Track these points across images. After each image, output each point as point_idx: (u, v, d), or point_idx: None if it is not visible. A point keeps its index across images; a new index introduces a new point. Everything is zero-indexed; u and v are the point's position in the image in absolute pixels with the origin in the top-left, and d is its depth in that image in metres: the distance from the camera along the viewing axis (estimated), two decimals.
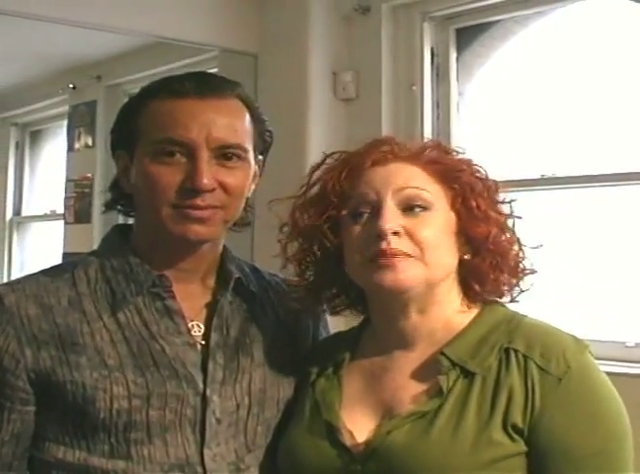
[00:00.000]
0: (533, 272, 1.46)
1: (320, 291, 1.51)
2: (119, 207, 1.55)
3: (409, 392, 1.36)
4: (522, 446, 1.28)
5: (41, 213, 6.67)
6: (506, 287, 1.45)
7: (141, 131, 1.42)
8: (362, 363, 1.46)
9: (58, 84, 5.88)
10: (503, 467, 1.27)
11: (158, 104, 1.41)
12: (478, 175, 1.45)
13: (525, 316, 1.41)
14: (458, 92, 3.87)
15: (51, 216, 6.43)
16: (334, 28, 3.98)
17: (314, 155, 3.91)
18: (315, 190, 1.47)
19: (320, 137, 3.93)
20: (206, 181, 1.37)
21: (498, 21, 3.75)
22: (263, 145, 1.51)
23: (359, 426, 1.37)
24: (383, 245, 1.34)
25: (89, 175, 5.68)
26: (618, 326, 3.30)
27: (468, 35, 3.86)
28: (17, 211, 6.95)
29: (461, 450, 1.27)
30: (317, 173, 1.49)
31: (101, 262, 1.46)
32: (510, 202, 1.46)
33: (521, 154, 3.67)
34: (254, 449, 1.44)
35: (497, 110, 3.79)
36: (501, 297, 1.46)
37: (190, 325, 1.45)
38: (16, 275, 6.85)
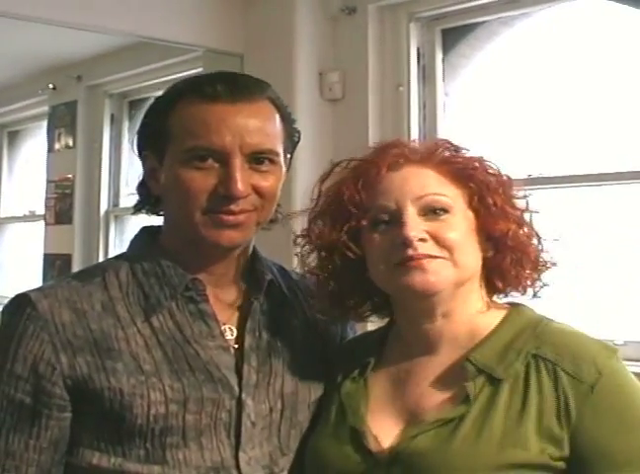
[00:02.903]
0: (554, 264, 1.46)
1: (344, 300, 1.49)
2: (147, 208, 1.53)
3: (434, 398, 1.36)
4: (554, 459, 1.28)
5: (21, 214, 6.62)
6: (528, 282, 1.45)
7: (172, 135, 1.40)
8: (388, 367, 1.45)
9: (38, 84, 5.84)
10: None
11: (189, 107, 1.40)
12: (491, 171, 1.45)
13: (551, 320, 1.42)
14: (444, 92, 3.88)
15: (31, 217, 6.39)
16: (320, 28, 3.97)
17: (301, 156, 3.90)
18: (329, 200, 1.46)
19: (306, 138, 3.87)
20: (242, 187, 1.37)
21: (483, 22, 3.76)
22: (291, 144, 1.50)
23: (384, 431, 1.37)
24: (410, 252, 1.34)
25: (69, 176, 5.65)
26: (608, 324, 3.32)
27: (454, 35, 3.86)
28: None
29: (487, 453, 1.27)
30: (327, 182, 1.48)
31: (131, 265, 1.45)
32: (525, 197, 1.46)
33: (508, 154, 3.69)
34: (287, 453, 1.44)
35: (483, 110, 3.80)
36: (523, 293, 1.45)
37: (222, 328, 1.45)
38: None
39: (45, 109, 6.02)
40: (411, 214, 1.36)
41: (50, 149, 5.89)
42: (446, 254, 1.36)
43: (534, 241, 1.44)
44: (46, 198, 5.82)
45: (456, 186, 1.41)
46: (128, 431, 1.35)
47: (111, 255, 5.34)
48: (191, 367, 1.39)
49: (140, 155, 1.50)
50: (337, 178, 1.47)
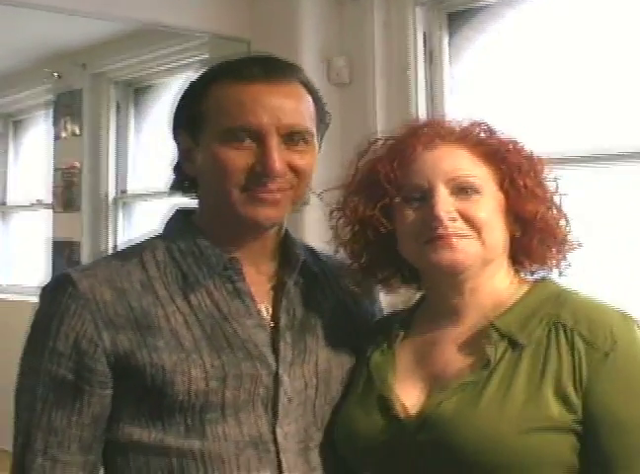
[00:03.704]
0: (580, 245, 1.49)
1: (376, 272, 1.54)
2: (183, 189, 1.56)
3: (458, 364, 1.40)
4: (572, 422, 1.31)
5: (27, 203, 6.66)
6: (553, 262, 1.48)
7: (207, 116, 1.43)
8: (415, 339, 1.49)
9: (43, 73, 5.86)
10: (552, 439, 1.30)
11: (224, 88, 1.42)
12: (524, 154, 1.48)
13: (574, 291, 1.44)
14: (451, 75, 3.91)
15: (38, 205, 6.43)
16: (326, 13, 4.00)
17: None
18: (365, 177, 1.50)
19: None
20: (279, 166, 1.39)
21: (487, 5, 3.79)
22: (323, 125, 1.53)
23: (410, 398, 1.41)
24: (440, 230, 1.37)
25: (76, 163, 5.68)
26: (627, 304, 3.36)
27: (459, 19, 3.90)
28: (2, 201, 6.94)
29: (510, 416, 1.30)
30: (364, 159, 1.52)
31: (167, 245, 1.47)
32: (555, 180, 1.49)
33: (513, 134, 3.72)
34: (322, 428, 1.47)
35: (489, 91, 3.82)
36: (550, 271, 1.48)
37: (258, 307, 1.47)
38: (1, 262, 6.85)
39: (51, 97, 6.05)
40: (442, 194, 1.40)
41: (57, 137, 5.92)
42: (475, 233, 1.39)
43: (562, 222, 1.47)
44: (54, 186, 5.86)
45: (489, 167, 1.44)
46: (169, 406, 1.38)
47: (119, 241, 5.43)
48: (229, 344, 1.41)
49: (175, 137, 1.53)
50: (373, 155, 1.51)
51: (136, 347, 1.38)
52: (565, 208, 1.48)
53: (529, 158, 1.48)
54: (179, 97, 1.51)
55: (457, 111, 3.85)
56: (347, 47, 4.00)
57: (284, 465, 1.41)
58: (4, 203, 6.94)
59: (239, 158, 1.39)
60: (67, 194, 5.74)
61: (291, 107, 1.42)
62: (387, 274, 1.55)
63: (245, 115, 1.39)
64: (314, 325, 1.52)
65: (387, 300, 1.71)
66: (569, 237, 1.48)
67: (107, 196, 5.59)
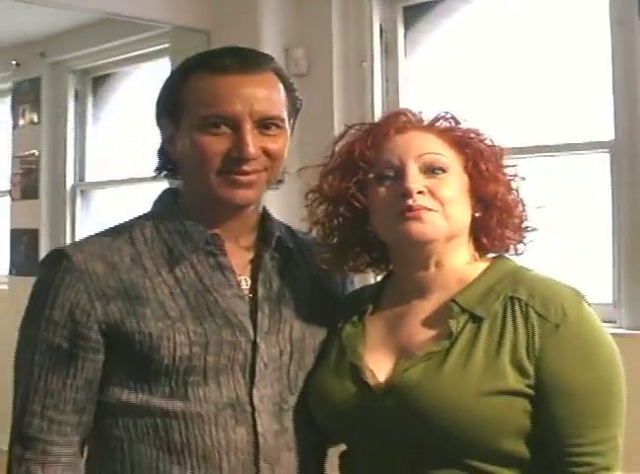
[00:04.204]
0: (534, 229, 1.62)
1: (345, 251, 1.64)
2: (165, 172, 1.66)
3: (423, 335, 1.51)
4: (525, 386, 1.42)
5: None
6: (510, 242, 1.60)
7: (186, 105, 1.53)
8: (384, 312, 1.60)
9: (1, 61, 5.87)
10: (506, 401, 1.41)
11: (201, 79, 1.52)
12: (486, 142, 1.60)
13: (530, 269, 1.56)
14: (406, 67, 4.01)
15: None
16: (286, 5, 4.09)
17: None
18: (341, 157, 1.61)
19: None
20: (252, 150, 1.49)
21: None
22: (294, 111, 1.63)
23: (379, 365, 1.51)
24: (410, 202, 1.48)
25: (35, 151, 5.70)
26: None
27: (415, 12, 4.01)
28: None
29: (470, 382, 1.41)
30: (340, 143, 1.63)
31: (155, 223, 1.58)
32: (514, 166, 1.61)
33: (465, 125, 3.84)
34: (295, 392, 1.58)
35: (443, 83, 3.94)
36: (506, 251, 1.61)
37: (238, 279, 1.58)
38: None
39: (9, 85, 6.05)
40: (412, 170, 1.51)
41: (15, 125, 5.93)
42: (440, 207, 1.50)
43: (520, 206, 1.60)
44: (12, 174, 5.87)
45: (454, 151, 1.56)
46: (155, 370, 1.48)
47: (77, 229, 5.45)
48: (211, 313, 1.52)
49: (158, 124, 1.62)
50: (349, 139, 1.62)
51: (126, 315, 1.48)
52: (522, 194, 1.60)
53: (491, 145, 1.60)
54: (160, 86, 1.61)
55: (412, 101, 3.96)
56: (305, 39, 4.08)
57: (259, 425, 1.52)
58: None
59: (216, 144, 1.50)
60: (26, 182, 5.76)
61: (264, 95, 1.52)
62: (355, 253, 1.65)
63: (220, 103, 1.50)
64: (289, 297, 1.62)
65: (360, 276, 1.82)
66: (525, 220, 1.60)
67: (65, 184, 5.62)
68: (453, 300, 1.51)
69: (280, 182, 1.65)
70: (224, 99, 1.50)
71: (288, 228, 1.73)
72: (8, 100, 6.10)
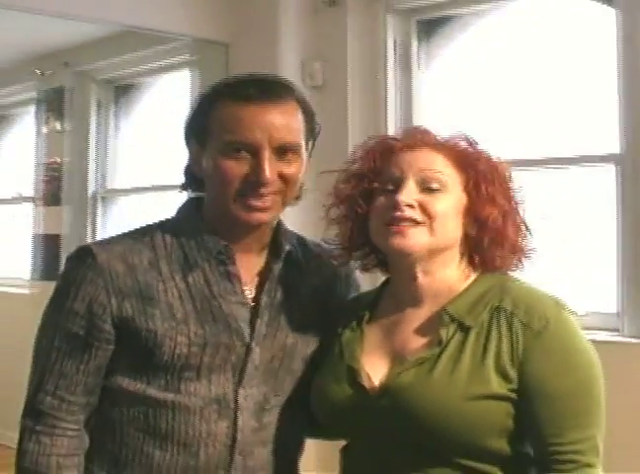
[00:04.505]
0: (533, 250, 1.70)
1: (353, 250, 1.75)
2: (192, 186, 1.79)
3: (416, 342, 1.61)
4: (508, 391, 1.52)
5: (8, 196, 6.78)
6: (503, 262, 1.67)
7: (212, 130, 1.66)
8: (381, 318, 1.70)
9: (26, 70, 5.98)
10: (490, 405, 1.51)
11: (225, 106, 1.65)
12: (492, 165, 1.67)
13: (516, 280, 1.66)
14: (420, 80, 4.10)
15: (18, 199, 6.56)
16: (303, 19, 4.19)
17: None
18: (355, 166, 1.72)
19: None
20: (269, 175, 1.61)
21: (457, 14, 4.01)
22: (312, 135, 1.74)
23: (375, 369, 1.62)
24: (397, 213, 1.58)
25: (58, 159, 5.82)
26: (571, 296, 3.57)
27: (429, 26, 4.10)
28: None
29: (457, 386, 1.51)
30: (358, 152, 1.73)
31: (176, 230, 1.71)
32: (519, 189, 1.69)
33: (478, 137, 3.92)
34: (280, 394, 1.71)
35: (456, 96, 4.03)
36: (498, 270, 1.67)
37: (244, 288, 1.70)
38: None
39: (33, 94, 6.17)
40: (410, 185, 1.61)
41: (39, 133, 6.06)
42: (427, 221, 1.59)
43: (518, 230, 1.66)
44: (36, 181, 6.00)
45: (458, 170, 1.64)
46: (155, 364, 1.63)
47: (99, 235, 5.57)
48: (214, 317, 1.65)
49: (187, 143, 1.75)
50: (366, 148, 1.73)
51: (137, 313, 1.63)
52: (525, 219, 1.68)
53: (496, 169, 1.67)
54: (190, 109, 1.74)
55: (425, 114, 4.05)
56: (322, 52, 4.17)
57: (239, 421, 1.65)
58: None
59: (236, 168, 1.62)
60: (49, 188, 5.88)
61: (282, 123, 1.63)
62: (364, 253, 1.75)
63: (242, 131, 1.61)
64: (290, 307, 1.74)
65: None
66: (521, 244, 1.68)
67: (87, 191, 5.73)
68: (444, 310, 1.60)
69: (297, 198, 1.75)
70: (245, 127, 1.61)
71: (300, 240, 1.84)
72: (33, 108, 6.23)
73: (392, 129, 4.04)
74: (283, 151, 1.63)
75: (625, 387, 3.16)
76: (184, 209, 1.77)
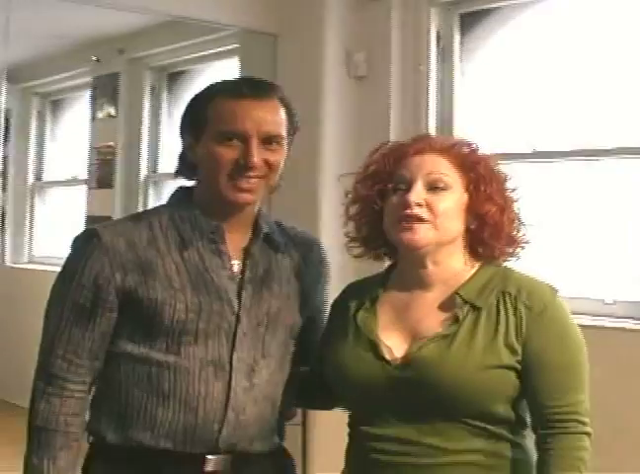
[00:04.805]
0: (527, 242, 1.93)
1: (369, 242, 1.97)
2: (185, 173, 2.01)
3: (431, 321, 1.84)
4: (515, 362, 1.77)
5: (63, 179, 6.99)
6: (501, 252, 1.91)
7: (208, 121, 1.89)
8: (392, 299, 1.92)
9: (82, 57, 6.17)
10: (501, 373, 1.77)
11: (222, 101, 1.89)
12: (490, 168, 1.91)
13: (513, 269, 1.90)
14: (461, 72, 4.20)
15: (73, 182, 6.77)
16: (348, 11, 4.30)
17: (329, 128, 4.28)
18: (371, 168, 1.95)
19: (334, 112, 4.29)
20: (256, 159, 1.85)
21: (498, 7, 4.08)
22: (293, 131, 1.97)
23: (394, 344, 1.84)
24: (407, 211, 1.81)
25: (111, 143, 6.01)
26: (599, 285, 3.68)
27: (471, 19, 4.18)
28: (38, 177, 7.28)
29: (474, 358, 1.76)
30: (374, 156, 1.96)
31: (171, 213, 1.94)
32: (514, 190, 1.93)
33: (516, 129, 4.02)
34: (266, 356, 1.93)
35: (496, 88, 4.11)
36: (497, 260, 1.91)
37: (232, 263, 1.94)
38: (38, 235, 7.19)
39: (89, 80, 6.37)
40: (419, 186, 1.83)
41: (93, 118, 6.25)
42: (432, 218, 1.82)
43: (514, 224, 1.90)
44: (89, 164, 6.20)
45: (460, 173, 1.87)
46: (156, 329, 1.85)
47: None
48: (207, 289, 1.88)
49: (182, 134, 1.98)
50: (381, 153, 1.96)
51: (138, 285, 1.85)
52: (520, 214, 1.92)
53: (494, 171, 1.91)
54: (187, 105, 1.97)
55: (465, 105, 4.15)
56: (366, 43, 4.27)
57: (233, 380, 1.87)
58: (40, 179, 7.28)
59: (229, 153, 1.86)
60: (102, 171, 6.08)
61: (269, 118, 1.89)
62: (377, 244, 1.97)
63: (235, 122, 1.86)
64: (270, 281, 1.98)
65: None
66: (516, 237, 1.91)
67: (139, 174, 5.91)
68: (457, 293, 1.84)
69: (276, 188, 1.98)
70: (238, 119, 1.86)
71: (279, 224, 2.08)
72: (88, 93, 6.43)
73: (432, 120, 4.17)
74: (269, 141, 1.87)
75: None
76: (176, 196, 2.01)
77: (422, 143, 1.92)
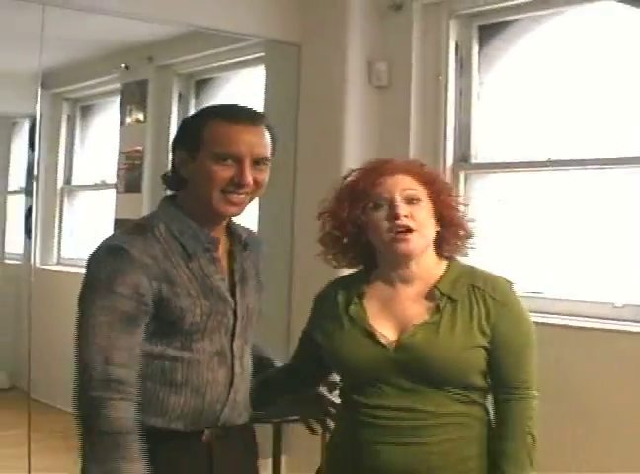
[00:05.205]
0: (472, 236, 2.35)
1: (347, 253, 2.34)
2: (173, 185, 2.23)
3: (416, 311, 2.23)
4: (486, 343, 2.18)
5: (92, 183, 7.12)
6: (459, 249, 2.33)
7: (205, 142, 2.11)
8: (377, 294, 2.29)
9: (112, 64, 6.26)
10: (477, 352, 2.18)
11: (219, 125, 2.11)
12: (444, 180, 2.39)
13: (475, 267, 2.31)
14: (479, 82, 4.32)
15: (101, 185, 6.89)
16: (370, 22, 4.43)
17: (351, 135, 4.42)
18: (350, 189, 2.28)
19: (356, 120, 4.42)
20: (249, 179, 2.10)
21: (517, 19, 4.20)
22: (273, 153, 2.20)
23: (386, 331, 2.22)
24: (399, 222, 2.18)
25: (139, 148, 6.13)
26: (609, 289, 3.79)
27: (490, 31, 4.30)
28: (67, 180, 7.40)
29: (456, 341, 2.17)
30: (346, 181, 2.31)
31: (165, 225, 2.14)
32: (460, 197, 2.45)
33: (532, 138, 4.13)
34: (247, 344, 2.25)
35: (513, 98, 4.23)
36: (457, 253, 2.33)
37: (223, 268, 2.20)
38: (66, 237, 7.33)
39: (116, 86, 6.47)
40: (399, 201, 2.20)
41: (122, 123, 6.36)
42: (418, 227, 2.20)
43: (466, 224, 2.32)
44: (118, 168, 6.30)
45: (424, 187, 2.25)
46: (174, 331, 2.09)
47: None
48: (212, 294, 2.14)
49: (177, 150, 2.18)
50: (351, 178, 2.32)
51: (169, 294, 2.07)
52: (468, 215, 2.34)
53: (447, 183, 2.38)
54: (181, 125, 2.20)
55: (482, 114, 4.27)
56: (387, 54, 4.41)
57: (235, 367, 2.18)
58: (69, 182, 7.41)
59: (224, 171, 2.10)
60: (130, 176, 6.21)
61: (259, 142, 2.13)
62: (353, 254, 2.35)
63: (231, 145, 2.10)
64: (247, 280, 2.26)
65: None
66: (469, 235, 2.33)
67: None
68: (436, 288, 2.24)
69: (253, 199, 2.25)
70: (234, 142, 2.10)
71: (247, 228, 2.34)
72: (117, 100, 6.54)
73: (451, 128, 4.29)
74: (258, 162, 2.12)
75: None
76: (164, 207, 2.20)
77: (388, 166, 2.27)
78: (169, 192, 2.26)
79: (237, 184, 2.09)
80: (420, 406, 2.16)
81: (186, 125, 2.20)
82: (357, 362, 2.21)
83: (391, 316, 2.24)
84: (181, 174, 2.16)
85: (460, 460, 2.19)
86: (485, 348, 2.19)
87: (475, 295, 2.22)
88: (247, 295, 2.23)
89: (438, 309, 2.20)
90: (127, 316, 2.01)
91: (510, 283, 2.27)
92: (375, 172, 2.27)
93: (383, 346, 2.19)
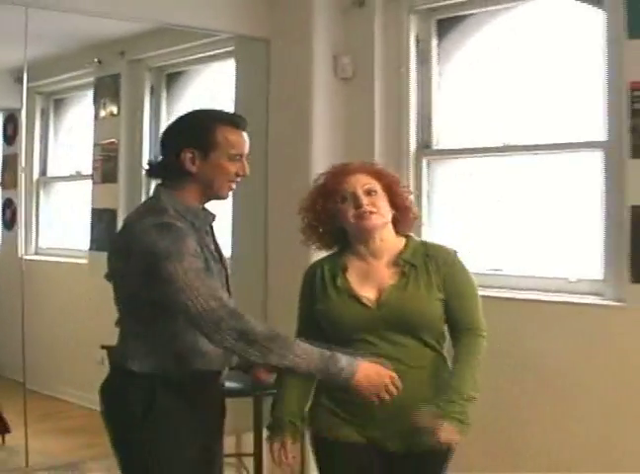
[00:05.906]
0: (418, 218, 3.03)
1: (324, 237, 2.91)
2: (158, 176, 2.71)
3: (387, 276, 2.81)
4: (443, 296, 2.76)
5: (67, 174, 7.25)
6: (408, 227, 2.91)
7: (218, 144, 2.60)
8: (355, 267, 2.86)
9: (85, 58, 6.35)
10: (438, 303, 2.77)
11: (229, 130, 2.62)
12: (392, 175, 2.94)
13: (427, 241, 2.96)
14: (439, 73, 4.51)
15: (77, 177, 7.02)
16: (334, 18, 4.60)
17: (319, 125, 4.60)
18: (323, 188, 2.87)
19: (323, 110, 4.61)
20: (248, 171, 2.66)
21: (473, 14, 4.41)
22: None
23: (367, 294, 2.78)
24: (363, 209, 2.77)
25: (114, 140, 6.29)
26: (563, 265, 4.03)
27: (447, 25, 4.49)
28: (43, 172, 7.52)
29: (422, 295, 2.76)
30: (320, 182, 2.90)
31: (176, 209, 2.57)
32: (407, 186, 3.09)
33: (486, 123, 4.36)
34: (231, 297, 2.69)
35: (471, 88, 4.43)
36: (410, 231, 2.92)
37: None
38: (44, 226, 7.46)
39: (89, 80, 6.56)
40: (361, 194, 2.79)
41: (96, 116, 6.49)
42: (377, 210, 2.77)
43: (412, 207, 2.92)
44: (94, 160, 6.43)
45: (378, 181, 2.83)
46: None
47: None
48: (215, 262, 2.63)
49: (176, 149, 2.59)
50: (323, 179, 2.91)
51: (203, 257, 2.54)
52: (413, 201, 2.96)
53: (394, 177, 2.93)
54: (188, 127, 2.61)
55: (442, 103, 4.48)
56: (352, 47, 4.58)
57: None
58: (45, 174, 7.52)
59: (233, 167, 2.63)
60: (106, 167, 6.36)
61: (247, 143, 2.65)
62: (329, 238, 2.91)
63: (241, 147, 2.64)
64: (220, 248, 2.76)
65: None
66: (416, 216, 2.96)
67: (141, 169, 6.16)
68: (401, 258, 2.81)
69: None
70: (241, 145, 2.64)
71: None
72: (91, 93, 6.66)
73: (413, 117, 4.50)
74: (247, 159, 2.63)
75: (608, 346, 3.62)
76: (167, 193, 2.59)
77: (349, 167, 2.86)
78: (157, 181, 2.67)
79: (241, 175, 2.62)
80: (400, 354, 2.68)
81: (194, 129, 2.60)
82: (347, 321, 2.77)
83: (369, 283, 2.80)
84: (186, 168, 2.56)
85: (426, 398, 2.68)
86: (442, 300, 2.77)
87: (430, 261, 2.80)
88: (225, 261, 2.73)
89: (404, 274, 2.78)
90: (203, 269, 2.44)
91: (455, 251, 2.86)
92: (340, 173, 2.87)
93: (367, 306, 2.76)
